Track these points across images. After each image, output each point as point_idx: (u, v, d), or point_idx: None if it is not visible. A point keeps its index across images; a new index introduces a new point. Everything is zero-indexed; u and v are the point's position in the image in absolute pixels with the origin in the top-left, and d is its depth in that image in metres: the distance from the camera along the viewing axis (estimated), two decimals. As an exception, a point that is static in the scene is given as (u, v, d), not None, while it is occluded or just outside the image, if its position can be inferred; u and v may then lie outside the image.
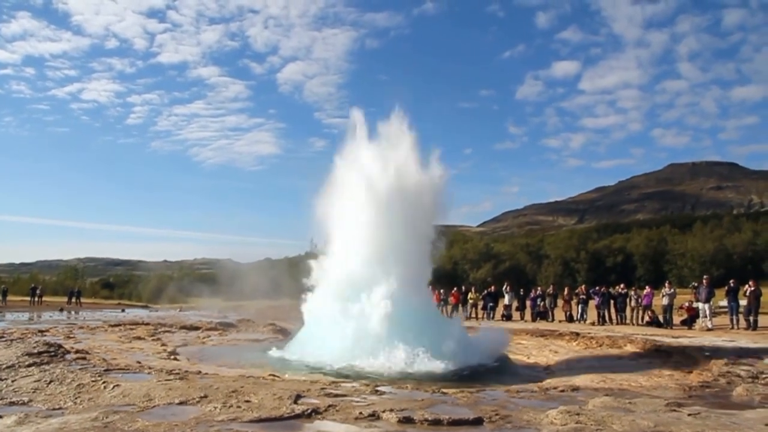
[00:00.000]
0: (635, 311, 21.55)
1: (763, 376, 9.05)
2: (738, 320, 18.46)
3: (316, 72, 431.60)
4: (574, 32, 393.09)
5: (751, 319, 17.98)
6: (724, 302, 23.15)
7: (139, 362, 9.98)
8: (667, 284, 21.76)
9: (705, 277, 21.08)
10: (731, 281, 19.32)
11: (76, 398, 6.36)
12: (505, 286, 26.43)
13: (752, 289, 18.34)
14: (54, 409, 5.88)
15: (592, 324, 21.59)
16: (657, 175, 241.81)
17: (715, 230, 62.89)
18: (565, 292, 24.78)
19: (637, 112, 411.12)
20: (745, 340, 14.80)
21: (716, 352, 12.09)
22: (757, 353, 12.01)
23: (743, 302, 18.89)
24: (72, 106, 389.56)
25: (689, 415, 5.94)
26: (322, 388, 7.02)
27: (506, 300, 25.58)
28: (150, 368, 8.68)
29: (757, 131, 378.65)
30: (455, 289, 27.22)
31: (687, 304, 20.53)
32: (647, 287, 22.67)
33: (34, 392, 6.66)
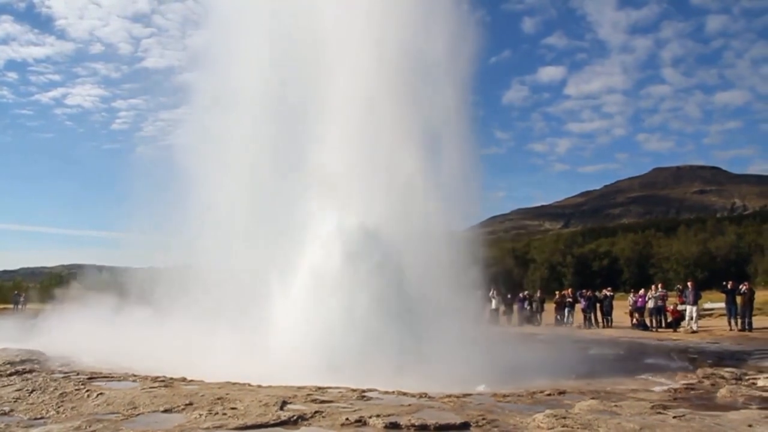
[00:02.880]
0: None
1: (747, 377, 9.15)
2: (736, 322, 18.53)
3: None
4: (559, 38, 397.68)
5: (746, 320, 18.10)
6: (708, 304, 23.42)
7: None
8: (653, 287, 21.92)
9: (690, 280, 21.23)
10: (730, 283, 19.34)
11: (58, 407, 6.27)
12: (491, 291, 26.39)
13: (745, 290, 18.45)
14: (36, 419, 5.80)
15: (578, 327, 21.70)
16: (642, 179, 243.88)
17: (699, 234, 63.47)
18: (556, 296, 24.73)
19: (621, 116, 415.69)
20: (728, 342, 14.96)
21: (701, 355, 12.21)
22: (741, 355, 12.14)
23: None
24: (56, 111, 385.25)
25: (674, 417, 5.98)
26: (309, 394, 6.97)
27: (493, 305, 25.56)
28: (135, 375, 8.58)
29: (740, 135, 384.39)
30: None
31: (672, 306, 20.69)
32: (641, 290, 22.72)
33: (15, 402, 6.56)
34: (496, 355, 10.74)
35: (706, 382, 8.82)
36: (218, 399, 6.56)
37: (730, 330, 18.20)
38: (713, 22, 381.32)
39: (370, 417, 5.71)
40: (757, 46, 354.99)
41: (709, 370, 9.78)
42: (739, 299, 18.58)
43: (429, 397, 7.15)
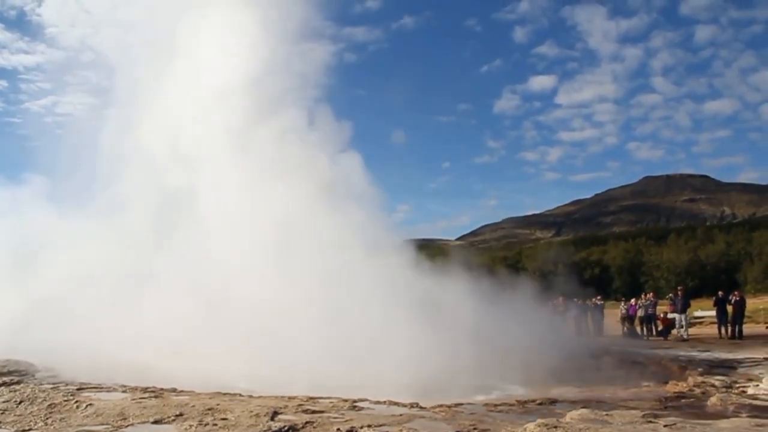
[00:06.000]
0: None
1: (737, 385, 9.18)
2: (727, 330, 18.59)
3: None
4: (550, 47, 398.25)
5: (737, 328, 18.15)
6: (699, 312, 23.53)
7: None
8: (643, 295, 21.99)
9: (679, 288, 21.31)
10: (720, 292, 19.48)
11: (47, 419, 6.20)
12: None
13: (737, 299, 18.52)
14: (24, 431, 5.73)
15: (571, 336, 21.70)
16: (632, 187, 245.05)
17: (690, 242, 63.81)
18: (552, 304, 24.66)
19: (612, 125, 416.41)
20: (719, 350, 15.00)
21: (691, 363, 12.25)
22: (731, 363, 12.19)
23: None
24: (46, 119, 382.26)
25: (665, 425, 5.99)
26: (300, 405, 6.94)
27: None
28: (124, 386, 8.51)
29: (729, 144, 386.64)
30: None
31: (662, 315, 20.76)
32: (632, 299, 22.77)
33: (2, 413, 6.47)
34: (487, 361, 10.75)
35: (697, 391, 8.84)
36: (209, 410, 6.51)
37: (721, 338, 18.27)
38: (702, 31, 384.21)
39: (362, 427, 5.69)
40: (746, 56, 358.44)
41: (699, 379, 9.81)
42: (730, 308, 18.67)
43: (420, 407, 7.13)
